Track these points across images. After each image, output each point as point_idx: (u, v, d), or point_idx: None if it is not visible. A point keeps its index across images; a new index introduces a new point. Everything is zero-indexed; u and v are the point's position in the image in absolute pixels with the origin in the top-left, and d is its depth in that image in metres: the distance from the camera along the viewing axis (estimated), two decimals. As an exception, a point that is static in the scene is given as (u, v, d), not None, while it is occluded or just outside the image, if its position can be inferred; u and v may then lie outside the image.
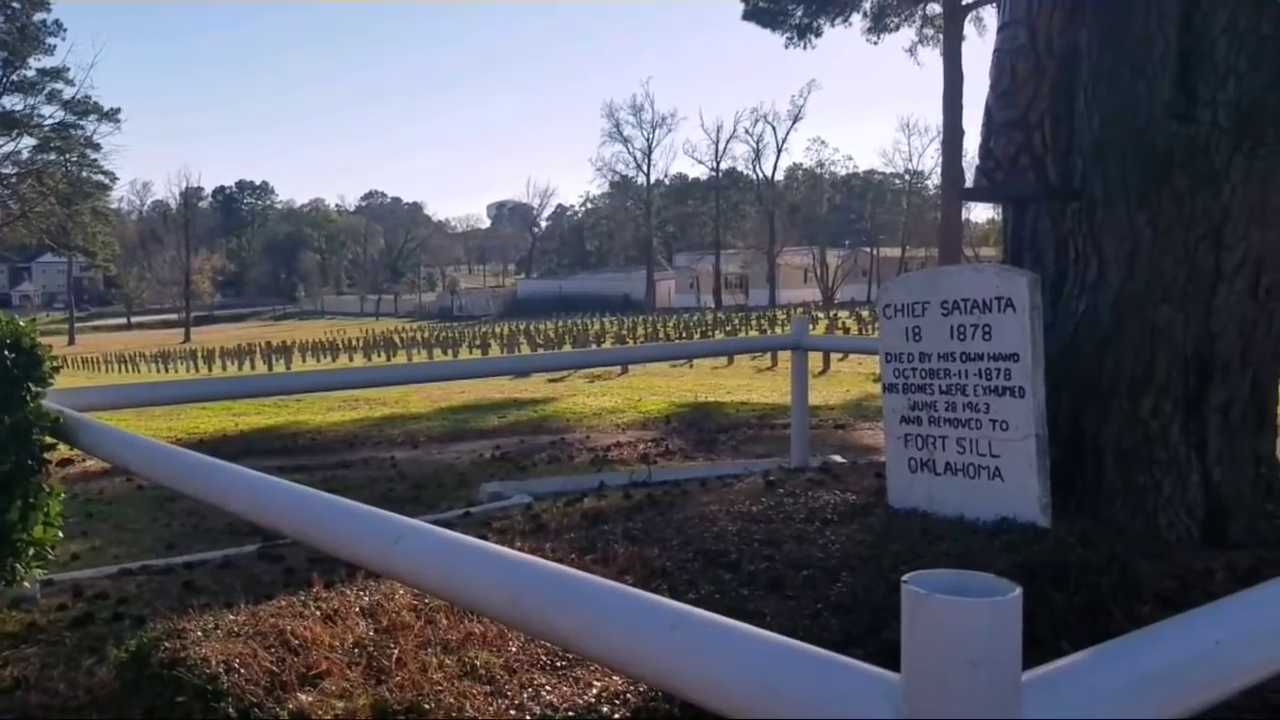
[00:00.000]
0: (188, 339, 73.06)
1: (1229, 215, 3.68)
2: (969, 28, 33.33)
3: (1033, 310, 3.62)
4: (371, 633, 3.09)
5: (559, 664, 2.77)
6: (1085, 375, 3.94)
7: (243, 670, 2.87)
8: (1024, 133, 3.91)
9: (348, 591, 3.45)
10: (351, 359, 39.41)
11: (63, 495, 3.97)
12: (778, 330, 32.89)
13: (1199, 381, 3.79)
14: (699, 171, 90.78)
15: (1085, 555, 3.33)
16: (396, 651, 2.91)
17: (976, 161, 4.18)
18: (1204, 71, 3.67)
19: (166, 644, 3.33)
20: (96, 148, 56.48)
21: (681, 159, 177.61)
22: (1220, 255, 3.71)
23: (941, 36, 32.87)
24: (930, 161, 73.86)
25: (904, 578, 1.01)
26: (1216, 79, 3.65)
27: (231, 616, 3.47)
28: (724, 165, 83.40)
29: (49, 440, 3.68)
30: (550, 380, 16.97)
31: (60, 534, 3.97)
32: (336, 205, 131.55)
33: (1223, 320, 3.75)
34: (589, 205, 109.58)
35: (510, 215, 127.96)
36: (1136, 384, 3.83)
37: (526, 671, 2.69)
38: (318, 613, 3.37)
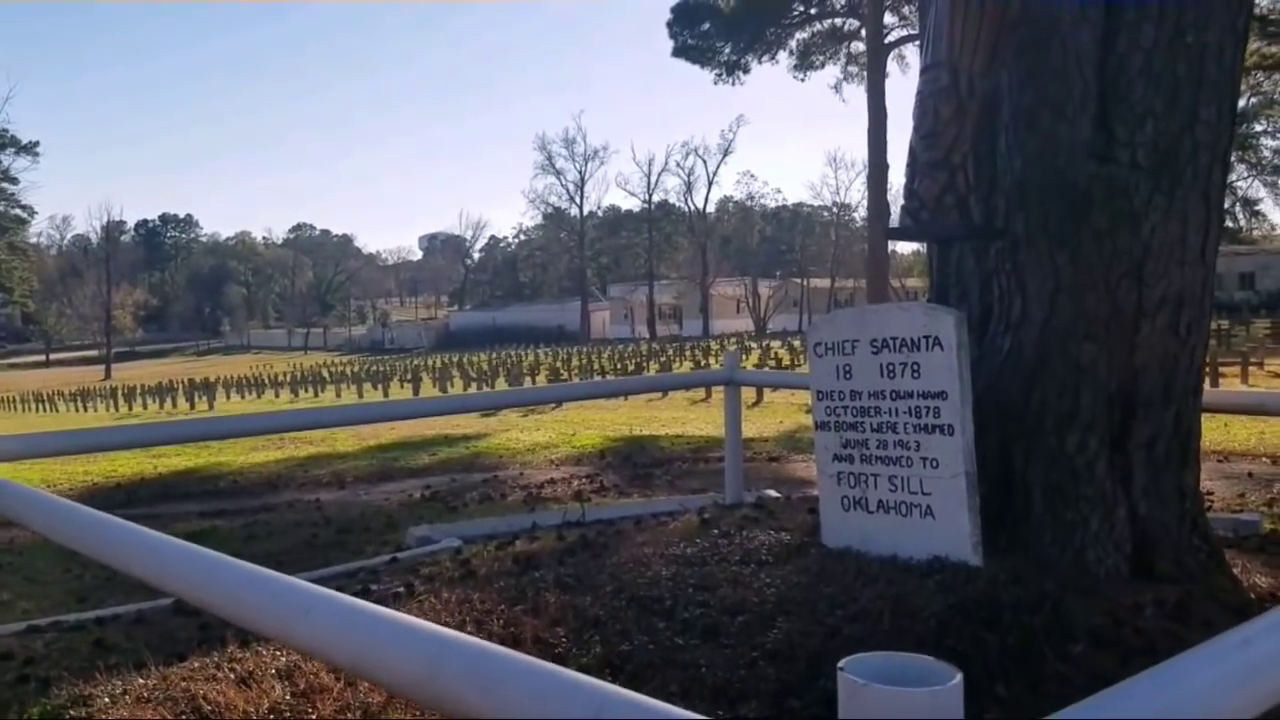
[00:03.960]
0: (109, 376, 70.97)
1: (1149, 253, 3.75)
2: (892, 65, 34.26)
3: (960, 348, 3.63)
4: (288, 697, 2.95)
5: (486, 726, 2.65)
6: (1012, 412, 3.96)
7: (150, 741, 2.70)
8: (948, 173, 3.95)
9: (264, 651, 3.29)
10: (278, 395, 38.56)
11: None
12: (712, 360, 33.06)
13: (1123, 417, 3.83)
14: (632, 204, 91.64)
15: (1017, 594, 3.33)
16: (315, 717, 2.77)
17: (902, 201, 4.20)
18: (1122, 113, 3.75)
19: (72, 712, 3.16)
20: (14, 181, 54.96)
21: (614, 191, 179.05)
22: (1142, 293, 3.77)
23: (865, 74, 33.65)
24: (857, 195, 75.68)
25: (840, 664, 0.95)
26: (1134, 120, 3.73)
27: (141, 680, 3.31)
28: (656, 197, 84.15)
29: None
30: (483, 415, 16.75)
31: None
32: (263, 238, 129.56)
33: (1145, 357, 3.81)
34: (522, 237, 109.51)
35: (442, 247, 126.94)
36: (1062, 420, 3.86)
37: (451, 737, 2.57)
38: (232, 675, 3.21)
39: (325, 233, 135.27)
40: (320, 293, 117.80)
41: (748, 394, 17.85)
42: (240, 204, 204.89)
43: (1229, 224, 53.55)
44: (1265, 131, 52.65)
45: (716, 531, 4.47)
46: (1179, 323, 3.81)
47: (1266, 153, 54.42)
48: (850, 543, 3.94)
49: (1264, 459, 8.94)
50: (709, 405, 18.15)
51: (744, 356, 30.75)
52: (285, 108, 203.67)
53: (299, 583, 1.70)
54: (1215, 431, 10.00)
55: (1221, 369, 17.75)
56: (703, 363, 32.46)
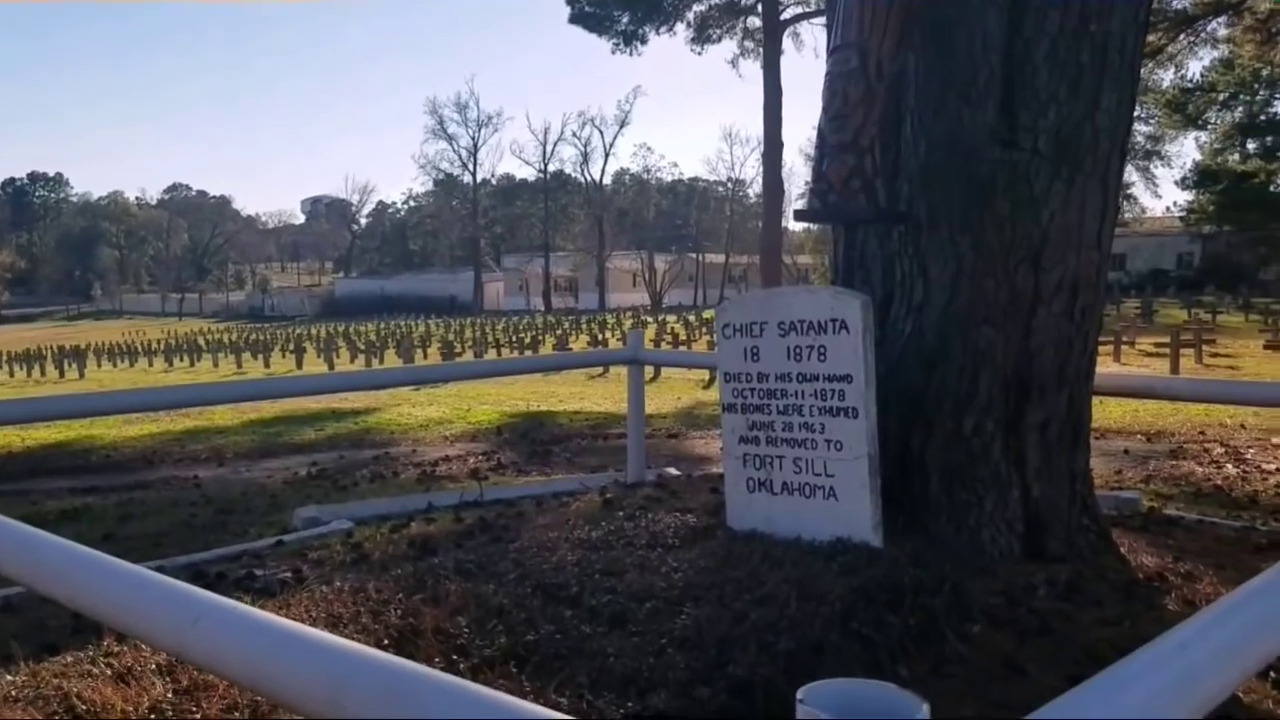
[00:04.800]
0: (-30, 341, 66.92)
1: (1047, 240, 3.81)
2: (787, 42, 34.65)
3: (865, 332, 3.64)
4: (170, 695, 2.77)
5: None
6: (912, 394, 4.00)
7: (15, 748, 2.51)
8: (856, 156, 3.94)
9: (143, 646, 3.09)
10: (151, 363, 36.97)
11: None
12: (609, 335, 33.00)
13: (1018, 400, 3.91)
14: (527, 173, 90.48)
15: (917, 576, 3.37)
16: (199, 717, 2.61)
17: (810, 182, 4.19)
18: (1026, 99, 3.79)
19: (-72, 715, 2.91)
20: None
21: (509, 159, 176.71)
22: (1039, 278, 3.84)
23: (761, 50, 33.90)
24: (752, 171, 76.45)
25: (799, 694, 0.88)
26: (1038, 106, 3.77)
27: (9, 677, 3.07)
28: (552, 167, 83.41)
29: None
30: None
31: None
32: (137, 198, 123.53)
33: (1041, 341, 3.88)
34: (412, 203, 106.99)
35: (327, 211, 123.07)
36: (960, 403, 3.92)
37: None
38: (109, 671, 3.01)
39: (202, 193, 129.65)
40: (196, 256, 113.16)
41: (646, 370, 17.84)
42: (113, 162, 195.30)
43: (1101, 208, 56.12)
44: (1139, 117, 55.33)
45: (621, 513, 4.42)
46: (1074, 308, 3.90)
47: (1140, 138, 57.25)
48: (755, 525, 3.93)
49: (1138, 436, 9.36)
50: (607, 380, 18.10)
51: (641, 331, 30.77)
52: (161, 60, 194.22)
53: (187, 588, 1.56)
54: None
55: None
56: (600, 337, 32.34)
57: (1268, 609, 1.47)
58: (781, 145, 32.65)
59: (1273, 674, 3.20)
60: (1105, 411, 10.56)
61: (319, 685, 1.29)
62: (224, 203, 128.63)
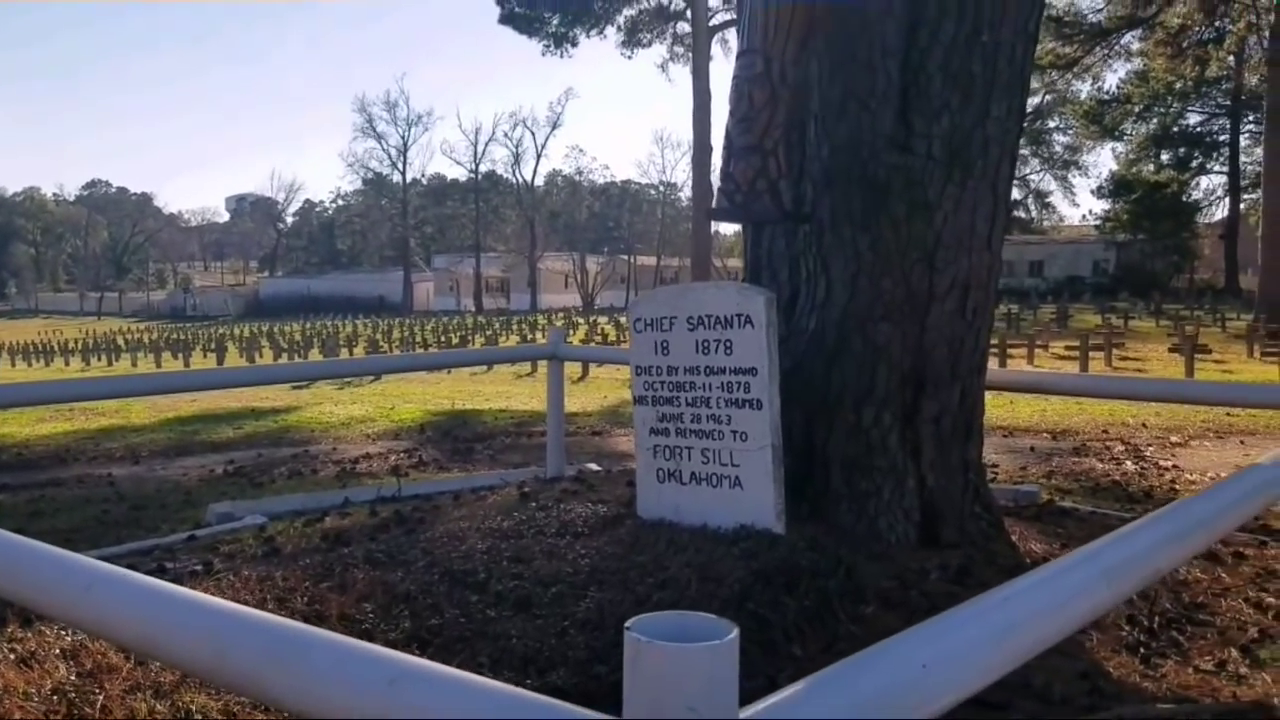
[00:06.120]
0: (-125, 340, 64.13)
1: (941, 241, 4.00)
2: (716, 48, 35.09)
3: (769, 327, 3.77)
4: (73, 677, 2.78)
5: (288, 703, 2.59)
6: (815, 388, 4.16)
7: (-91, 734, 2.50)
8: (761, 158, 4.09)
9: (47, 631, 3.09)
10: (68, 363, 35.88)
11: None
12: (539, 335, 32.94)
13: (914, 394, 4.09)
14: (458, 173, 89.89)
15: (814, 560, 3.52)
16: (101, 698, 2.63)
17: (719, 183, 4.32)
18: (921, 106, 3.97)
19: None
20: None
21: (439, 159, 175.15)
22: (933, 278, 4.03)
23: (691, 55, 34.24)
24: (682, 175, 76.93)
25: (627, 624, 0.99)
26: (932, 113, 3.96)
27: (-93, 667, 3.04)
28: (483, 168, 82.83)
29: None
30: (294, 387, 16.12)
31: None
32: (54, 194, 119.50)
33: (935, 338, 4.07)
34: (340, 202, 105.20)
35: (252, 209, 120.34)
36: (860, 396, 4.08)
37: (248, 715, 2.49)
38: (11, 656, 3.00)
39: (122, 190, 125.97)
40: (116, 254, 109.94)
41: (574, 369, 17.91)
42: (29, 157, 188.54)
43: (1021, 215, 57.89)
44: (1058, 128, 57.12)
45: (535, 504, 4.50)
46: (966, 307, 4.09)
47: (1058, 148, 59.10)
48: (664, 514, 4.05)
49: (1045, 434, 9.71)
50: (534, 380, 18.11)
51: (571, 332, 30.85)
52: (79, 52, 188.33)
53: (79, 558, 1.61)
54: (1001, 409, 10.79)
55: (1010, 350, 19.13)
56: (529, 337, 32.30)
57: (1090, 572, 1.62)
58: (711, 149, 33.01)
59: (1142, 649, 3.42)
60: (1014, 411, 10.94)
61: (204, 645, 1.36)
62: (145, 200, 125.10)
